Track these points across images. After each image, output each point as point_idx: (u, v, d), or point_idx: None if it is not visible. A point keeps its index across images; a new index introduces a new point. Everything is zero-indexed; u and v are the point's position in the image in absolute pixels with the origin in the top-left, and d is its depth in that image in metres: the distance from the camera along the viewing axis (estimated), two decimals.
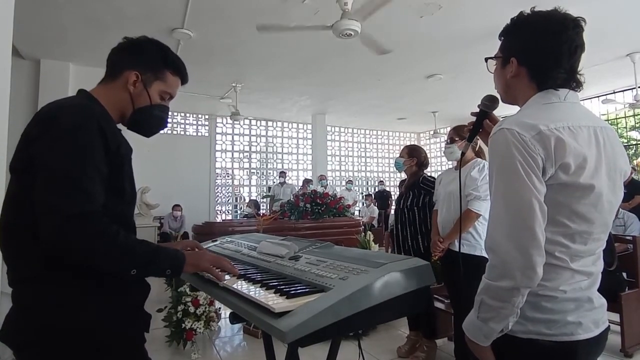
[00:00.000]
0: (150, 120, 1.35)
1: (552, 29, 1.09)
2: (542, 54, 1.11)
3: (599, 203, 1.06)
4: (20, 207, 1.10)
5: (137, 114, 1.31)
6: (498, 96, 1.33)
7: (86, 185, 1.05)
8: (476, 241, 2.72)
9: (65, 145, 1.06)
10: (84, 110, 1.15)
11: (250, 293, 1.16)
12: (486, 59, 1.28)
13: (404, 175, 3.71)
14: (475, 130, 1.41)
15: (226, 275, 1.33)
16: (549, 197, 1.03)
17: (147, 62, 1.30)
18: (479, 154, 2.93)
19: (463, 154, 1.66)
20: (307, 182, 8.84)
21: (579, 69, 1.13)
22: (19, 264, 1.12)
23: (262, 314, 1.03)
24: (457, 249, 2.76)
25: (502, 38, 1.23)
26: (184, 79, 1.41)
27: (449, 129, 3.09)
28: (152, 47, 1.33)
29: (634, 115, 10.04)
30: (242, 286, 1.25)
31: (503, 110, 1.51)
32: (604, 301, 1.14)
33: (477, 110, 1.40)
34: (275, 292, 1.13)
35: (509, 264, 1.00)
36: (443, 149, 3.07)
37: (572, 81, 1.13)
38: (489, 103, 1.36)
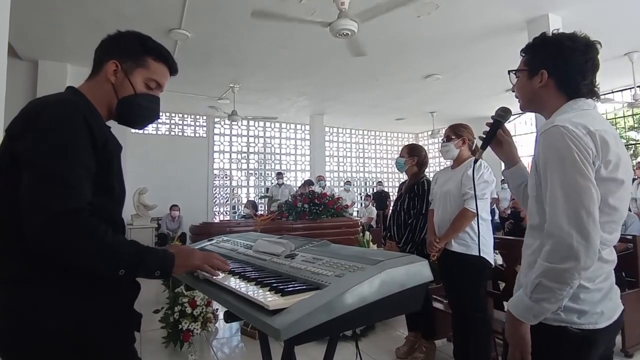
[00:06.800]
0: (137, 111, 1.30)
1: (579, 47, 1.27)
2: (572, 67, 1.28)
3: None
4: (4, 206, 1.07)
5: (122, 105, 1.26)
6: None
7: (72, 182, 1.03)
8: (473, 241, 2.69)
9: (50, 140, 1.04)
10: (68, 105, 1.12)
11: (245, 291, 1.14)
12: (509, 72, 1.44)
13: (402, 176, 3.68)
14: (489, 139, 1.52)
15: (219, 274, 1.32)
16: None
17: (125, 50, 1.27)
18: (475, 153, 2.91)
19: (476, 160, 1.69)
20: (308, 184, 8.79)
21: (597, 83, 1.32)
22: (3, 264, 1.09)
23: (257, 312, 1.01)
24: (453, 249, 2.75)
25: (525, 54, 1.39)
26: (171, 66, 1.35)
27: None
28: (130, 36, 1.30)
29: (632, 115, 10.06)
30: (236, 284, 1.23)
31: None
32: (617, 288, 1.28)
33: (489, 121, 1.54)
34: (270, 290, 1.11)
35: (574, 247, 1.08)
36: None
37: (593, 93, 1.30)
38: (504, 114, 1.51)
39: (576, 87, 1.28)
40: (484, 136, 1.54)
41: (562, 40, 1.30)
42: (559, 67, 1.29)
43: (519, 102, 1.43)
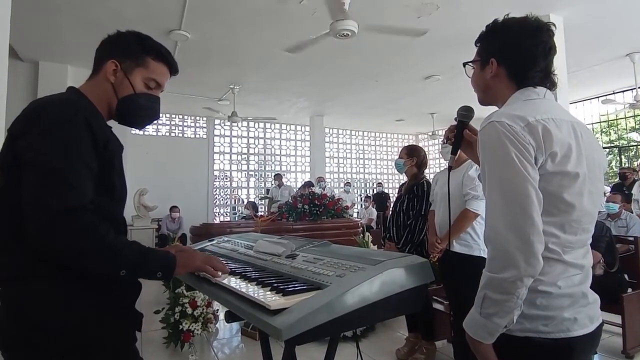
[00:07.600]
0: (137, 110, 1.30)
1: (528, 31, 1.17)
2: (520, 53, 1.18)
3: (584, 191, 1.09)
4: (5, 205, 1.08)
5: (121, 104, 1.27)
6: (472, 106, 1.41)
7: (74, 180, 1.03)
8: (474, 241, 2.69)
9: (51, 139, 1.04)
10: (69, 105, 1.13)
11: (246, 291, 1.14)
12: (464, 64, 1.35)
13: (402, 177, 3.68)
14: (457, 142, 1.43)
15: (220, 274, 1.32)
16: (540, 187, 1.04)
17: (124, 50, 1.27)
18: None
19: (450, 167, 1.62)
20: (308, 185, 8.77)
21: (553, 69, 1.21)
22: (5, 263, 1.09)
23: (258, 312, 1.01)
24: (455, 249, 2.74)
25: (479, 44, 1.30)
26: (171, 66, 1.35)
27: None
28: (129, 36, 1.30)
29: (634, 116, 10.04)
30: (238, 284, 1.22)
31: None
32: (597, 297, 1.15)
33: (455, 123, 1.44)
34: (271, 290, 1.12)
35: (511, 254, 0.99)
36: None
37: (547, 81, 1.20)
38: (466, 113, 1.41)
39: (526, 75, 1.18)
40: (453, 141, 1.45)
41: (510, 25, 1.21)
42: (508, 54, 1.19)
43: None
